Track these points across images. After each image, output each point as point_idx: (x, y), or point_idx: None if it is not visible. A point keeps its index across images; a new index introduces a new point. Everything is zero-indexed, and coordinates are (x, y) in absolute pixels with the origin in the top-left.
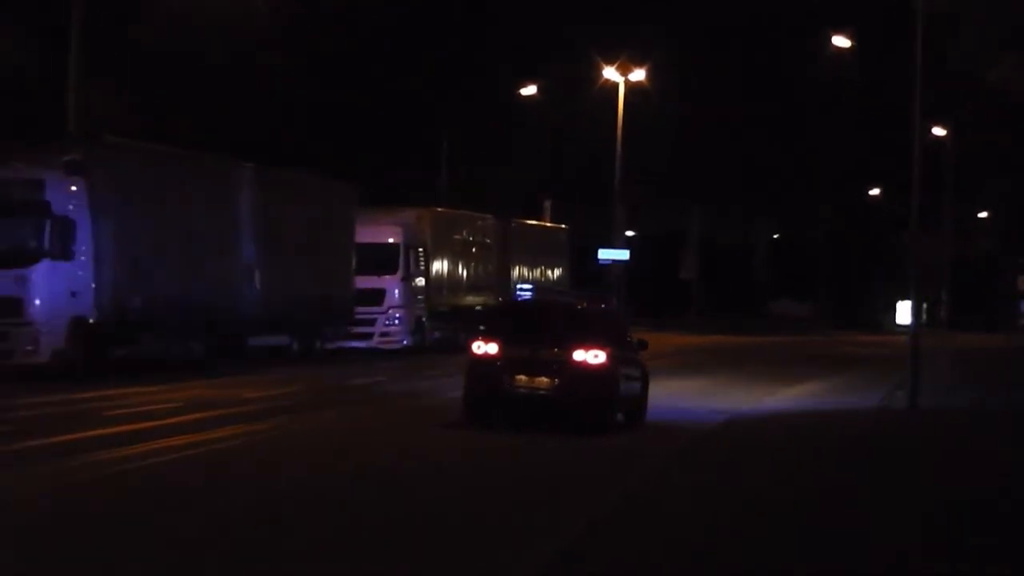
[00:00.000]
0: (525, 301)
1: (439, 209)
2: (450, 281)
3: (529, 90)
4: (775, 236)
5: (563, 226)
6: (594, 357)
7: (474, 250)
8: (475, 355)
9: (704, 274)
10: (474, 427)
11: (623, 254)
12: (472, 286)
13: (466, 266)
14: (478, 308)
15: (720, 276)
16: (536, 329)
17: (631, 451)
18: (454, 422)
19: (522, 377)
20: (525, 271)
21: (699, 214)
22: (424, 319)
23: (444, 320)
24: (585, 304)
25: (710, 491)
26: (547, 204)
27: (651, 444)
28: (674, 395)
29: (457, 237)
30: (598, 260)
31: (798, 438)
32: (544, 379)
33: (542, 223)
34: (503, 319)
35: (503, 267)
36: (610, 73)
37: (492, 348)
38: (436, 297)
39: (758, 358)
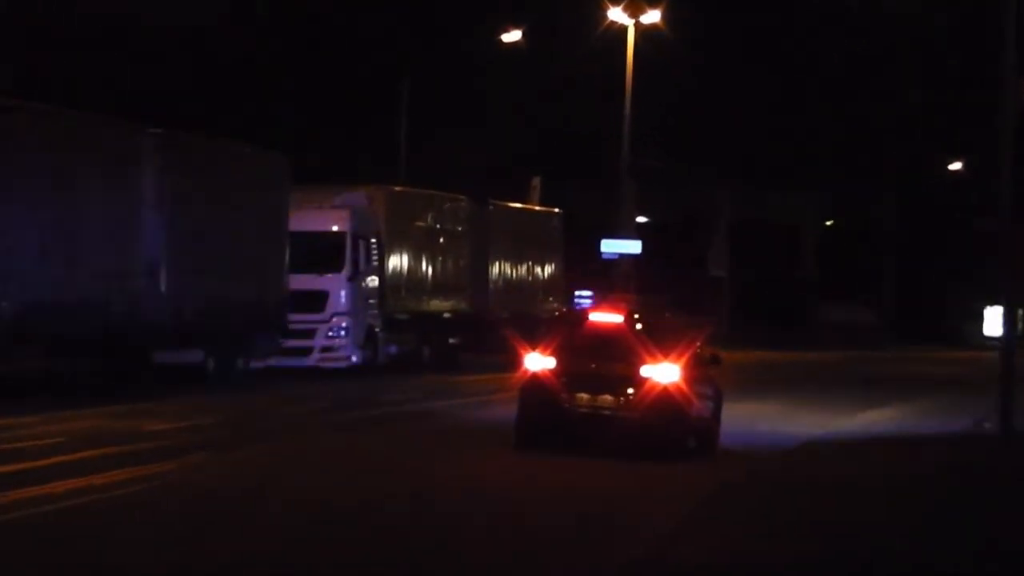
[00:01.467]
0: (585, 310)
1: (397, 188)
2: (411, 280)
3: (512, 36)
4: (827, 223)
5: (555, 210)
6: (664, 373)
7: (442, 240)
8: (531, 370)
9: (736, 271)
10: (527, 450)
11: (633, 245)
12: (439, 287)
13: (432, 261)
14: (446, 315)
15: (757, 273)
16: (599, 342)
17: (692, 482)
18: (500, 446)
19: (583, 395)
20: (507, 267)
21: (730, 194)
22: (377, 329)
23: (403, 331)
24: (654, 314)
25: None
26: (535, 182)
27: (718, 471)
28: (745, 417)
29: (420, 224)
30: (601, 253)
31: (879, 477)
32: (608, 397)
33: (529, 206)
34: (562, 331)
35: (479, 262)
36: (616, 15)
37: (550, 363)
38: (393, 301)
39: (821, 379)
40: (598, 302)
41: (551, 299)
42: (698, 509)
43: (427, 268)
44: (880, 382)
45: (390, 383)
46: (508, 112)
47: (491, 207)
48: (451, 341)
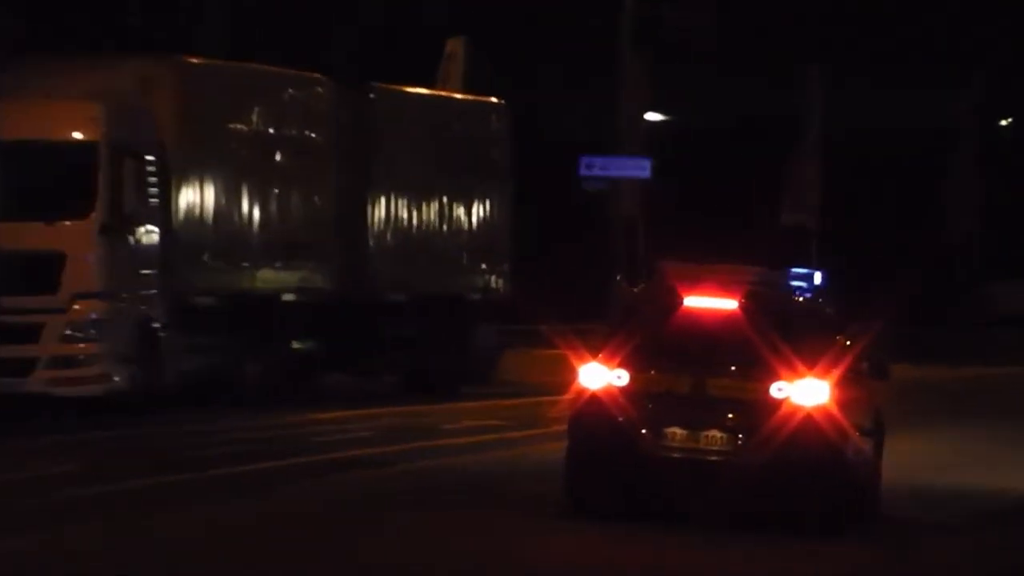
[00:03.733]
0: (677, 291)
1: (194, 60)
2: (224, 235)
3: None
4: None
5: (495, 100)
6: (809, 393)
7: (281, 158)
8: (589, 390)
9: (833, 217)
10: (583, 518)
11: (639, 166)
12: (276, 246)
13: (262, 198)
14: (290, 299)
15: (870, 224)
16: (701, 343)
17: None
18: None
19: (677, 431)
20: (403, 208)
21: (821, 87)
22: (158, 326)
23: (208, 329)
24: (790, 296)
25: None
26: (453, 46)
27: (888, 557)
28: (907, 461)
29: (240, 127)
30: (580, 180)
31: None
32: (717, 433)
33: (445, 93)
34: (640, 325)
35: (352, 199)
36: None
37: (621, 377)
38: (190, 272)
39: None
40: (692, 278)
41: (486, 266)
42: None
43: (253, 211)
44: None
45: (179, 429)
46: None
47: (373, 95)
48: (297, 348)
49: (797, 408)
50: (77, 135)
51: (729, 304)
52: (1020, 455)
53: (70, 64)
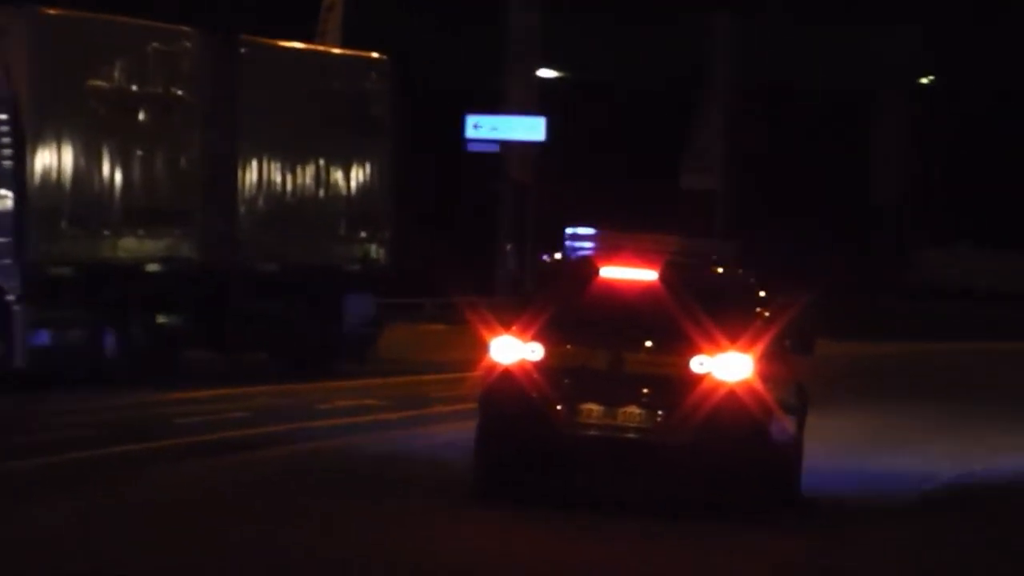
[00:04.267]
0: (593, 261)
1: (51, 11)
2: (81, 199)
3: None
4: (924, 81)
5: (375, 55)
6: (732, 367)
7: (144, 117)
8: (498, 366)
9: (738, 182)
10: (492, 500)
11: (531, 127)
12: (140, 213)
13: (125, 160)
14: (154, 269)
15: (783, 185)
16: (619, 316)
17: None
18: (447, 495)
19: (593, 407)
20: (275, 171)
21: (728, 38)
22: (12, 297)
23: (67, 300)
24: (712, 267)
25: None
26: (334, 1)
27: (810, 542)
28: (828, 441)
29: (100, 85)
30: (466, 142)
31: None
32: (635, 409)
33: (322, 47)
34: (555, 296)
35: (220, 161)
36: None
37: (535, 351)
38: (44, 241)
39: (939, 383)
40: (609, 246)
41: (365, 234)
42: None
43: (115, 175)
44: None
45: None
46: None
47: (244, 50)
48: (162, 322)
49: (719, 383)
50: None
51: (648, 275)
52: (945, 437)
53: None
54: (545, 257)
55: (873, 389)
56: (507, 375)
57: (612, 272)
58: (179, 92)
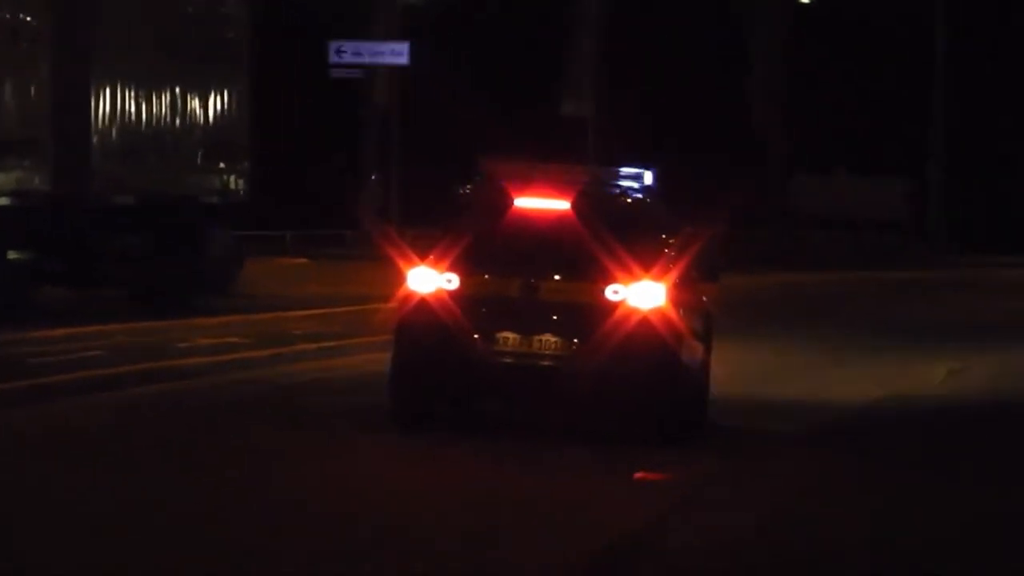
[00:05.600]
0: (506, 190)
1: None
2: None
3: None
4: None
5: None
6: (644, 295)
7: None
8: (415, 296)
9: (616, 104)
10: (412, 435)
11: (395, 52)
12: None
13: None
14: (3, 203)
15: (657, 109)
16: (533, 244)
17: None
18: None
19: (509, 335)
20: (131, 97)
21: None
22: None
23: None
24: (623, 196)
25: None
26: None
27: (720, 465)
28: (735, 374)
29: None
30: (329, 68)
31: None
32: (551, 337)
33: None
34: (470, 225)
35: (72, 86)
36: None
37: (451, 281)
38: None
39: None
40: (520, 175)
41: (224, 164)
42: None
43: None
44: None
45: None
46: None
47: None
48: (13, 258)
49: (633, 311)
50: None
51: (561, 204)
52: (840, 365)
53: None
54: (460, 189)
55: (763, 319)
56: (423, 305)
57: (526, 202)
58: (27, 18)
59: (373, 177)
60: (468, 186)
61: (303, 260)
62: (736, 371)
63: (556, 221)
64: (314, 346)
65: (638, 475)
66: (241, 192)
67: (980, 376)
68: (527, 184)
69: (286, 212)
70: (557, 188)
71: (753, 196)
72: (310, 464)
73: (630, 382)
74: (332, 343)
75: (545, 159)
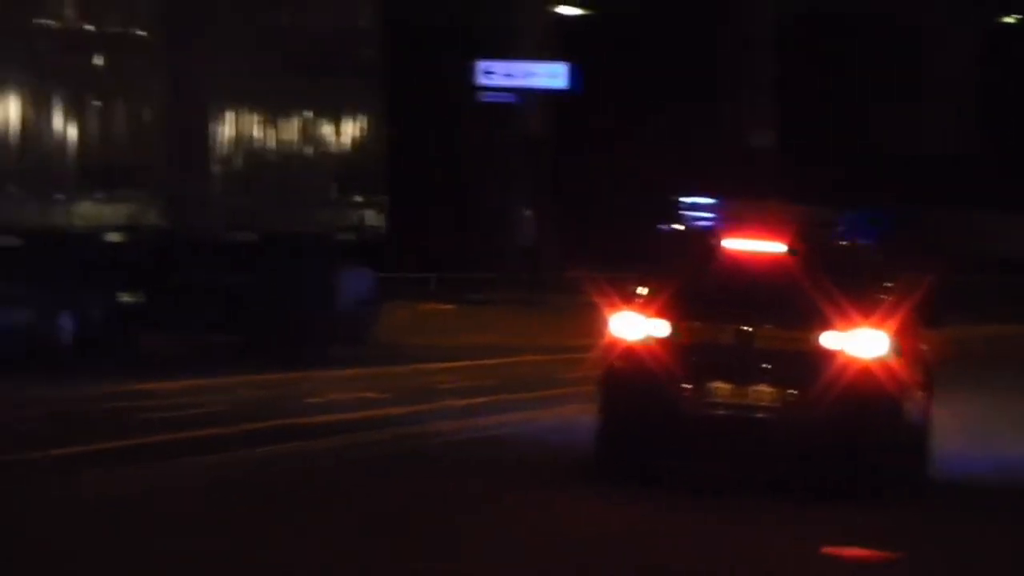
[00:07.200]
0: (717, 233)
1: None
2: (26, 158)
3: None
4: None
5: None
6: (866, 344)
7: (100, 62)
8: (621, 343)
9: (791, 135)
10: (618, 485)
11: (552, 74)
12: (95, 173)
13: (78, 112)
14: (113, 239)
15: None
16: (746, 290)
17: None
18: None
19: (721, 385)
20: (251, 125)
21: None
22: None
23: (14, 275)
24: (837, 238)
25: None
26: None
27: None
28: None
29: (47, 24)
30: (476, 91)
31: None
32: (766, 388)
33: None
34: (680, 269)
35: (191, 112)
36: None
37: (660, 328)
38: None
39: None
40: (735, 218)
41: (358, 198)
42: None
43: (68, 129)
44: None
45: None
46: None
47: None
48: (124, 300)
49: (853, 359)
50: None
51: (776, 247)
52: None
53: None
54: (663, 228)
55: (992, 368)
56: (631, 353)
57: (738, 244)
58: (139, 31)
59: (527, 213)
60: (674, 225)
61: (450, 306)
62: (958, 424)
63: (770, 264)
64: (462, 402)
65: (827, 550)
66: (379, 229)
67: None
68: (740, 225)
69: (430, 251)
70: (771, 230)
71: (964, 242)
72: (503, 526)
73: (850, 435)
74: (483, 399)
75: (735, 195)
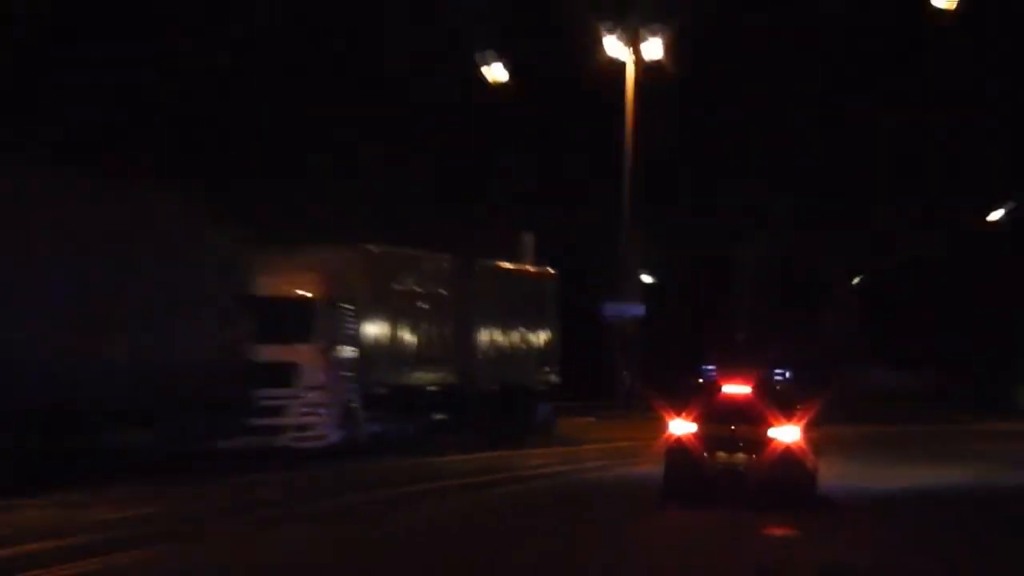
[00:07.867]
0: (718, 381)
1: (374, 248)
2: (392, 351)
3: (495, 72)
4: (855, 280)
5: (549, 270)
6: (788, 433)
7: (424, 306)
8: (676, 434)
9: (757, 331)
10: (671, 503)
11: (638, 309)
12: (423, 358)
13: (414, 329)
14: (431, 389)
15: (793, 329)
16: (732, 408)
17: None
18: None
19: (721, 454)
20: (496, 334)
21: (754, 242)
22: (355, 405)
23: (384, 407)
24: (775, 383)
25: None
26: (526, 238)
27: (832, 522)
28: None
29: (399, 288)
30: (603, 315)
31: None
32: (741, 455)
33: (520, 266)
34: (699, 399)
35: (464, 328)
36: (613, 46)
37: (692, 427)
38: (373, 373)
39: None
40: (725, 374)
41: (546, 368)
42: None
43: (410, 336)
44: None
45: (372, 467)
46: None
47: (477, 267)
48: (436, 418)
49: (782, 442)
50: (304, 293)
51: (746, 389)
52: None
53: (300, 248)
54: (699, 379)
55: (856, 449)
56: (679, 440)
57: (729, 388)
58: (442, 291)
59: (624, 373)
60: (699, 379)
61: (592, 419)
62: (831, 473)
63: (743, 396)
64: (597, 463)
65: (768, 529)
66: (554, 382)
67: (993, 472)
68: (730, 379)
69: (584, 392)
70: (743, 380)
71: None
72: (620, 528)
73: (782, 478)
74: (606, 462)
75: (727, 364)
